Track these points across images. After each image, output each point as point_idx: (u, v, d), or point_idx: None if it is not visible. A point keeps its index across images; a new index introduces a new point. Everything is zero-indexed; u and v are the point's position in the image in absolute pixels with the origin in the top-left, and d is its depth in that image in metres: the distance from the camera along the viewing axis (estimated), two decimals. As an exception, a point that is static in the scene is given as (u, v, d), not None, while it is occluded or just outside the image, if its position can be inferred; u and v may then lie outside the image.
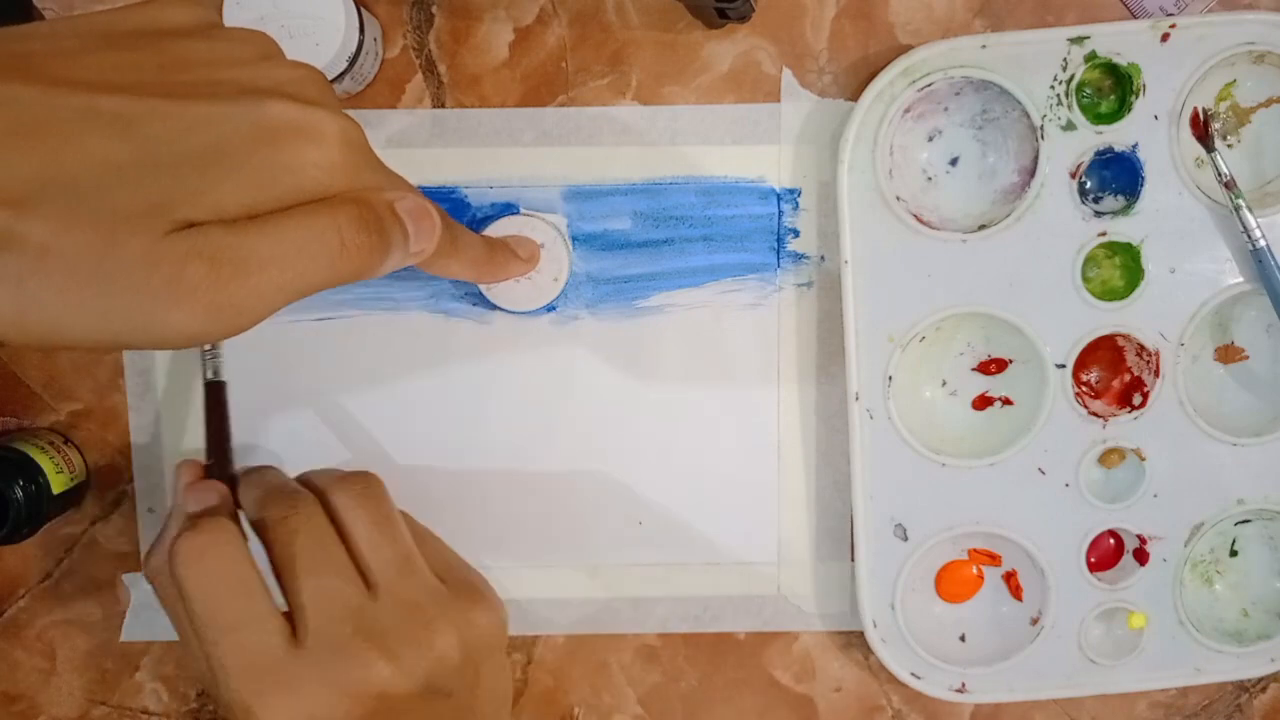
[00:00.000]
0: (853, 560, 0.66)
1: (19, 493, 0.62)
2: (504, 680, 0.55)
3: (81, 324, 0.33)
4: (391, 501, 0.53)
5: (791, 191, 0.65)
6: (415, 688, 0.48)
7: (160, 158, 0.35)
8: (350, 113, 0.63)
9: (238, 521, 0.50)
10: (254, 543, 0.50)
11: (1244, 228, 0.61)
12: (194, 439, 0.67)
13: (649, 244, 0.66)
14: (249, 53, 0.40)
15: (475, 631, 0.52)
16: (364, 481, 0.53)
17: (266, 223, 0.36)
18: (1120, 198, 0.63)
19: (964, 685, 0.66)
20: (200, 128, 0.36)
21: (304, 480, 0.54)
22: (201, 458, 0.56)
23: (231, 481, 0.54)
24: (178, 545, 0.47)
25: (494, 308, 0.65)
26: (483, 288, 0.65)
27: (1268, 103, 0.63)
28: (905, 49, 0.62)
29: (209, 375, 0.57)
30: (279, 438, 0.67)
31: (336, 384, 0.67)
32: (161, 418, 0.67)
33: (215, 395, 0.57)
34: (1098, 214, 0.63)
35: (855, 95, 0.64)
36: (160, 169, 0.34)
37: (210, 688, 0.47)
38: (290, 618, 0.48)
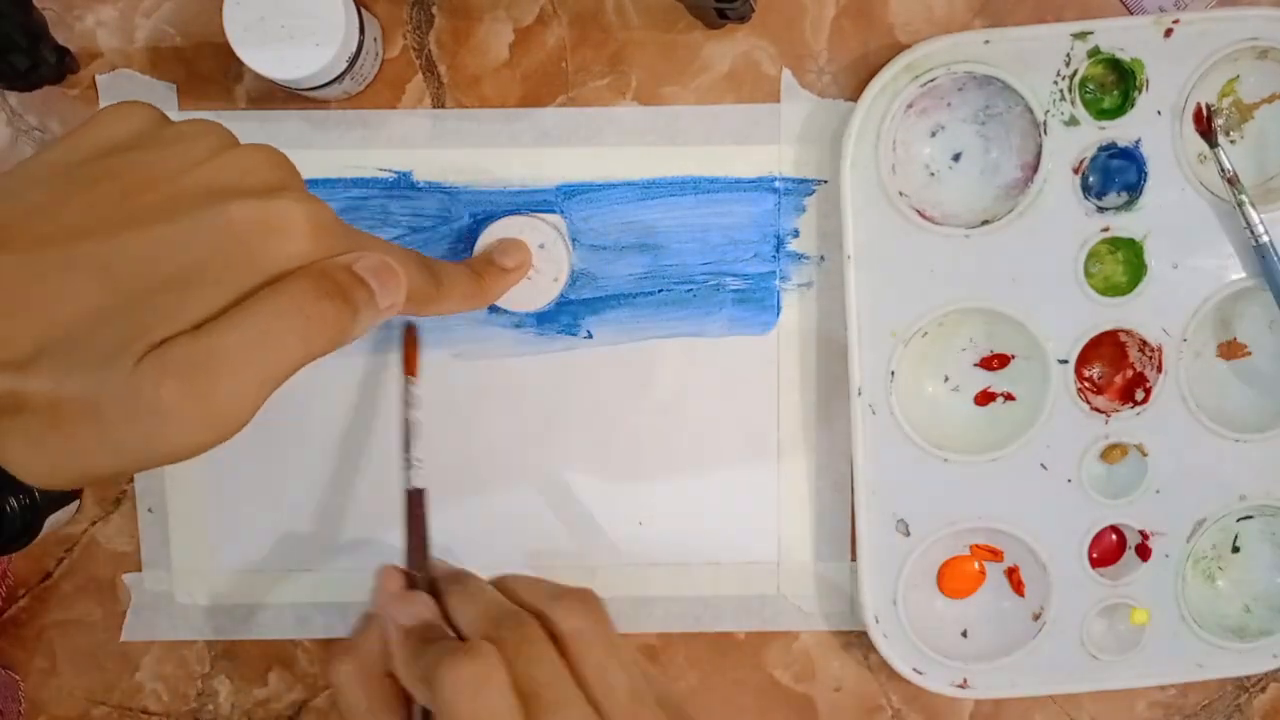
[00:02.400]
0: (854, 557, 0.67)
1: (13, 505, 0.62)
2: None
3: (102, 462, 0.35)
4: (612, 622, 0.51)
5: (791, 191, 0.65)
6: None
7: (136, 290, 0.35)
8: (350, 113, 0.64)
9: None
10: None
11: (1247, 224, 0.61)
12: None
13: (648, 244, 0.66)
14: (202, 150, 0.40)
15: None
16: (587, 602, 0.50)
17: (230, 318, 0.37)
18: (1123, 193, 0.63)
19: (966, 681, 0.66)
20: (169, 251, 0.36)
21: (507, 591, 0.53)
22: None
23: (430, 586, 0.54)
24: (451, 672, 0.46)
25: (494, 308, 0.65)
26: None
27: (1271, 98, 0.63)
28: (905, 49, 0.62)
29: (409, 484, 0.57)
30: (280, 438, 0.67)
31: (336, 384, 0.67)
32: (161, 418, 0.67)
33: (416, 503, 0.57)
34: (1100, 209, 0.63)
35: (855, 95, 0.64)
36: (136, 300, 0.35)
37: None
38: None
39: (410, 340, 0.64)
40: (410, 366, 0.62)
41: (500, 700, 0.45)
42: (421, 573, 0.56)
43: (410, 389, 0.61)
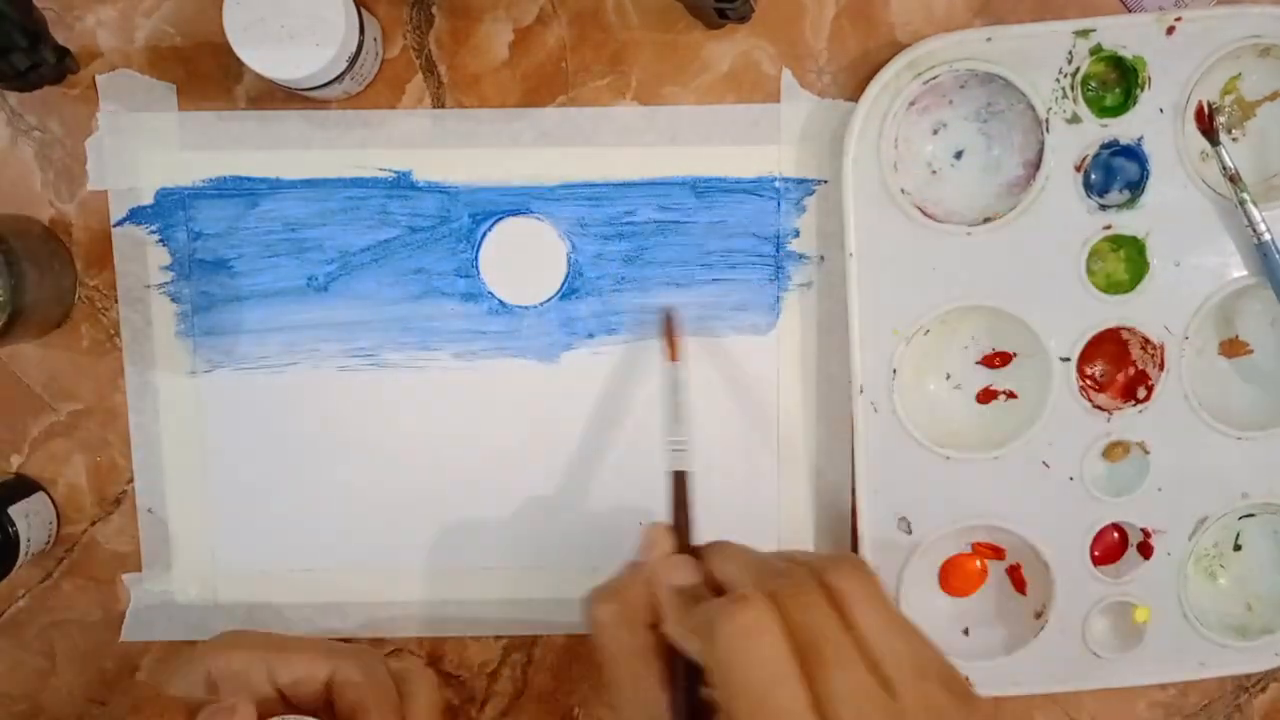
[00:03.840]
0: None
1: None
2: None
3: None
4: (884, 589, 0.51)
5: (791, 191, 0.65)
6: None
7: None
8: (350, 113, 0.64)
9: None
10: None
11: (1249, 221, 0.61)
12: (193, 439, 0.67)
13: (648, 244, 0.65)
14: None
15: None
16: (860, 565, 0.50)
17: None
18: (1125, 191, 0.63)
19: (967, 679, 0.66)
20: None
21: (770, 555, 0.53)
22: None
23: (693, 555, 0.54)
24: (727, 621, 0.46)
25: (494, 310, 0.65)
26: (484, 285, 0.65)
27: (1273, 96, 0.63)
28: (905, 48, 0.62)
29: (673, 467, 0.57)
30: (280, 439, 0.67)
31: (336, 384, 0.67)
32: (161, 418, 0.67)
33: (680, 485, 0.57)
34: (1103, 207, 0.63)
35: (855, 95, 0.64)
36: None
37: None
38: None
39: (671, 325, 0.64)
40: (673, 352, 0.63)
41: (776, 648, 0.45)
42: (683, 541, 0.56)
43: (675, 373, 0.62)
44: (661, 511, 0.68)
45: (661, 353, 0.64)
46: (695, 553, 0.54)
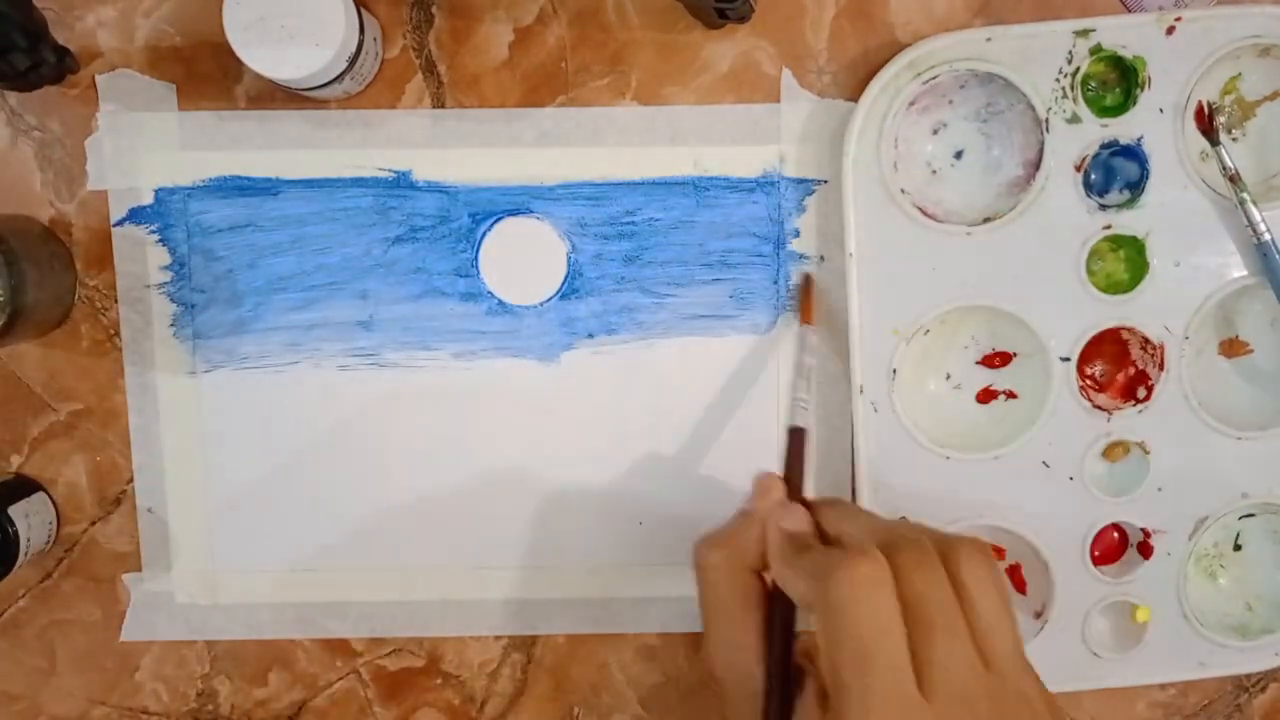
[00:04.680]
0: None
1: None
2: None
3: None
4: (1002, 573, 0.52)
5: (791, 191, 0.65)
6: None
7: None
8: (350, 112, 0.64)
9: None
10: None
11: (1249, 221, 0.61)
12: (193, 439, 0.67)
13: (648, 244, 0.65)
14: None
15: None
16: (987, 553, 0.51)
17: None
18: (1125, 191, 0.63)
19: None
20: None
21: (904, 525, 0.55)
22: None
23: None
24: (846, 571, 0.47)
25: (494, 310, 0.65)
26: (484, 285, 0.65)
27: (1273, 96, 0.63)
28: (905, 48, 0.62)
29: (792, 422, 0.59)
30: (280, 439, 0.67)
31: (336, 384, 0.67)
32: (161, 418, 0.67)
33: (797, 440, 0.58)
34: (1103, 207, 0.63)
35: (855, 95, 0.64)
36: None
37: (842, 713, 0.46)
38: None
39: (807, 288, 0.65)
40: (807, 315, 0.64)
41: (888, 605, 0.46)
42: (796, 493, 0.57)
43: (808, 336, 0.63)
44: (661, 511, 0.68)
45: (795, 315, 0.65)
46: (807, 506, 0.55)
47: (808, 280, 0.66)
